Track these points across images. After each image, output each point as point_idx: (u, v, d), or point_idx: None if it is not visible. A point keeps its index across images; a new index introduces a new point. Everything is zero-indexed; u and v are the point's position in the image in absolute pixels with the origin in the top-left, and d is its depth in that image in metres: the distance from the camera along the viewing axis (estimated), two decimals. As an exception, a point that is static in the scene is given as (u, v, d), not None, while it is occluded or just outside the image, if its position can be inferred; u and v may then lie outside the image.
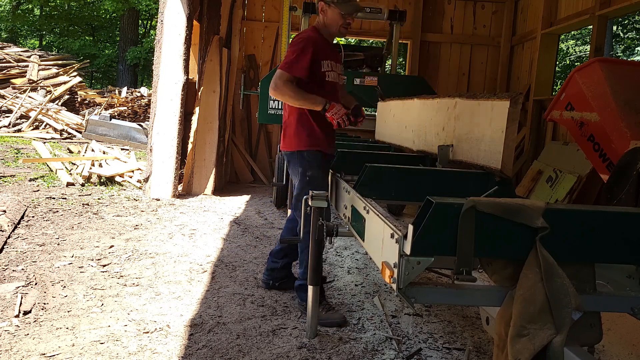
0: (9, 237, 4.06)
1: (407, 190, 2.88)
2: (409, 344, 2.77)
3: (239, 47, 7.64)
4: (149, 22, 25.51)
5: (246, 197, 6.68)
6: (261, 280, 3.49)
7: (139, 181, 6.69)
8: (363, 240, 2.48)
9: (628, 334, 2.59)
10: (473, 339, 2.86)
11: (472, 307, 3.16)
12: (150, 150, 6.09)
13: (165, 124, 6.09)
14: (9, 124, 10.67)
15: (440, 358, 2.63)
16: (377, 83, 6.15)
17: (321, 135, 3.12)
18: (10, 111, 11.12)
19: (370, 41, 16.98)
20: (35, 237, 4.19)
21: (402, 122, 4.34)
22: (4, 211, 4.46)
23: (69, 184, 6.31)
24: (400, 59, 9.67)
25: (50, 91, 11.90)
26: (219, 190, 6.74)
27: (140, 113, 12.69)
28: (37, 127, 10.92)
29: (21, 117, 11.01)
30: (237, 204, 6.22)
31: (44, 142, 9.14)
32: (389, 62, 7.64)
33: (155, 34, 7.40)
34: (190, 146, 6.62)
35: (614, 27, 17.74)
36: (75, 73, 13.56)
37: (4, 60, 12.62)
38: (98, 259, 3.77)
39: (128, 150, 9.17)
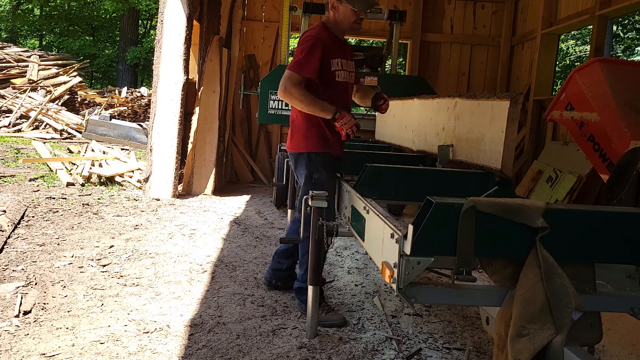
0: (9, 237, 4.06)
1: (407, 190, 2.88)
2: (409, 344, 2.77)
3: (239, 47, 7.64)
4: (149, 22, 25.51)
5: (246, 197, 6.68)
6: (264, 279, 3.44)
7: (139, 181, 6.70)
8: (363, 240, 2.48)
9: (628, 334, 2.60)
10: (473, 339, 2.86)
11: (472, 307, 3.16)
12: (150, 150, 6.09)
13: (165, 124, 6.09)
14: (9, 124, 10.68)
15: (440, 358, 2.63)
16: (377, 83, 6.16)
17: (330, 136, 3.01)
18: (10, 111, 11.12)
19: (370, 41, 16.97)
20: (35, 237, 4.19)
21: (402, 122, 4.34)
22: (4, 211, 4.46)
23: (69, 184, 6.31)
24: (400, 59, 9.67)
25: (50, 91, 11.90)
26: (219, 190, 6.74)
27: (140, 113, 12.69)
28: (37, 127, 10.92)
29: (21, 117, 11.01)
30: (237, 204, 6.22)
31: (44, 142, 9.14)
32: (389, 62, 7.65)
33: (155, 34, 7.40)
34: (190, 146, 6.63)
35: (614, 27, 17.74)
36: (75, 73, 13.56)
37: (4, 60, 12.62)
38: (98, 259, 3.77)
39: (128, 150, 9.17)
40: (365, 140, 5.30)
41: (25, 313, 2.80)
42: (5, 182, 6.18)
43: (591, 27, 5.83)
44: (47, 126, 10.95)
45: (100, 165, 7.37)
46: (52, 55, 15.01)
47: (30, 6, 22.33)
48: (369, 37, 9.34)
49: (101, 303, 3.02)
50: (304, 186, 3.07)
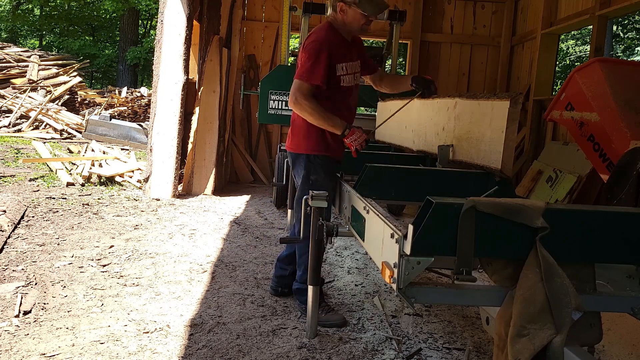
0: (9, 237, 4.06)
1: (407, 190, 2.88)
2: (409, 344, 2.77)
3: (239, 47, 7.64)
4: (149, 22, 25.51)
5: (246, 197, 6.68)
6: (270, 288, 3.37)
7: (139, 181, 6.70)
8: (363, 240, 2.48)
9: (628, 334, 2.59)
10: (473, 339, 2.86)
11: (472, 307, 3.16)
12: (150, 150, 6.09)
13: (165, 124, 6.09)
14: (9, 124, 10.68)
15: (440, 358, 2.63)
16: None
17: (331, 139, 2.97)
18: (10, 111, 11.12)
19: (370, 41, 16.97)
20: (35, 237, 4.19)
21: (402, 122, 4.34)
22: (4, 211, 4.46)
23: (69, 184, 6.31)
24: (400, 59, 9.66)
25: (50, 91, 11.90)
26: (219, 190, 6.74)
27: (140, 113, 12.69)
28: (37, 127, 10.92)
29: (21, 117, 11.01)
30: (237, 204, 6.22)
31: (44, 142, 9.14)
32: (389, 62, 7.65)
33: (155, 34, 7.40)
34: (190, 146, 6.63)
35: (614, 27, 17.74)
36: (75, 73, 13.56)
37: (4, 60, 12.62)
38: (98, 259, 3.77)
39: (128, 150, 9.17)
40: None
41: (25, 313, 2.80)
42: (5, 182, 6.18)
43: (591, 27, 5.83)
44: (47, 126, 10.95)
45: (100, 165, 7.37)
46: (52, 55, 15.01)
47: (30, 6, 22.33)
48: (369, 37, 9.34)
49: (101, 303, 3.02)
50: (300, 186, 3.06)
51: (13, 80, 12.22)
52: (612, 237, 1.82)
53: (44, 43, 24.58)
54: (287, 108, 6.11)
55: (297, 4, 6.42)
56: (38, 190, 5.87)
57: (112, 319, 2.82)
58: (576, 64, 18.40)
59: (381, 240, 2.06)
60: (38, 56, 13.60)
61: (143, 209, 5.47)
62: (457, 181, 2.89)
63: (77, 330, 2.65)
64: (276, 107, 6.17)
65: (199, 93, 6.79)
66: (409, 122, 4.17)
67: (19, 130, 10.58)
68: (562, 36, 11.83)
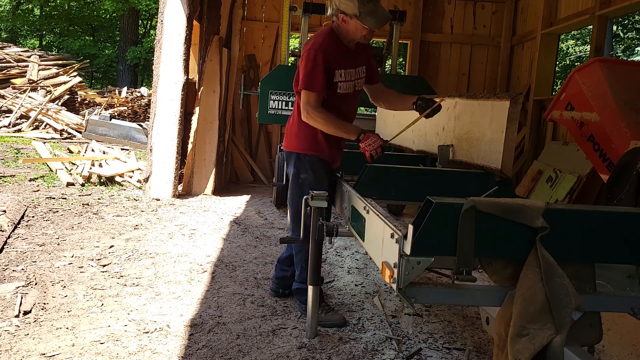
0: (9, 237, 4.06)
1: (407, 190, 2.88)
2: (409, 344, 2.77)
3: (239, 47, 7.64)
4: (149, 22, 25.51)
5: (246, 197, 6.68)
6: (270, 290, 3.36)
7: (139, 181, 6.70)
8: (363, 240, 2.48)
9: (628, 334, 2.59)
10: (473, 339, 2.86)
11: (472, 307, 3.16)
12: (150, 150, 6.09)
13: (165, 124, 6.09)
14: (9, 124, 10.68)
15: (440, 358, 2.63)
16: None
17: (322, 140, 2.96)
18: (10, 111, 11.12)
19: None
20: (35, 237, 4.19)
21: (402, 122, 4.34)
22: (4, 211, 4.46)
23: (69, 184, 6.31)
24: (400, 59, 9.66)
25: (50, 91, 11.90)
26: (219, 190, 6.74)
27: (140, 113, 12.69)
28: (37, 127, 10.92)
29: (21, 117, 11.01)
30: (237, 204, 6.22)
31: (44, 142, 9.14)
32: (389, 62, 7.65)
33: (155, 34, 7.40)
34: (190, 146, 6.63)
35: (614, 27, 17.75)
36: (75, 73, 13.56)
37: (4, 60, 12.62)
38: (98, 259, 3.77)
39: (128, 150, 9.17)
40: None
41: (25, 313, 2.80)
42: (5, 182, 6.18)
43: (591, 27, 5.83)
44: (47, 126, 10.95)
45: (100, 165, 7.37)
46: (52, 55, 15.01)
47: (30, 6, 22.34)
48: (369, 37, 9.37)
49: (101, 303, 3.02)
50: (291, 184, 3.08)
51: (13, 80, 12.22)
52: (612, 237, 1.82)
53: (44, 43, 24.58)
54: (287, 108, 6.11)
55: (297, 4, 6.42)
56: (38, 190, 5.87)
57: (112, 319, 2.82)
58: (576, 64, 18.41)
59: (381, 240, 2.06)
60: (38, 56, 13.60)
61: (143, 209, 5.47)
62: (457, 181, 2.89)
63: (77, 330, 2.65)
64: (276, 107, 6.17)
65: (199, 93, 6.79)
66: (409, 122, 4.17)
67: (19, 130, 10.58)
68: (562, 36, 11.83)
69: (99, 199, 5.76)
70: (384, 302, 3.35)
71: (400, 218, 5.86)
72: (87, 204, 5.41)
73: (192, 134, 6.63)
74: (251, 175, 8.07)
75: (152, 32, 24.21)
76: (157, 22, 6.66)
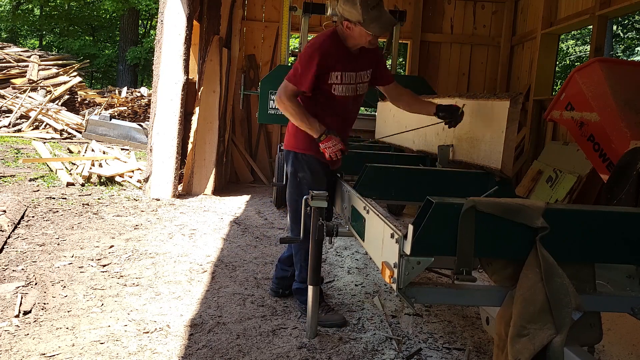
0: (9, 237, 4.06)
1: (407, 190, 2.88)
2: (409, 344, 2.77)
3: (239, 47, 7.63)
4: (149, 22, 25.51)
5: (246, 197, 6.68)
6: (270, 290, 3.36)
7: (139, 181, 6.70)
8: (363, 240, 2.48)
9: (628, 334, 2.59)
10: (473, 339, 2.86)
11: (472, 307, 3.16)
12: (150, 150, 6.09)
13: (165, 124, 6.09)
14: (9, 124, 10.68)
15: (440, 358, 2.63)
16: None
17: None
18: (10, 111, 11.12)
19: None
20: (35, 237, 4.19)
21: (402, 122, 4.34)
22: (4, 211, 4.46)
23: (69, 184, 6.31)
24: (400, 59, 9.67)
25: (50, 91, 11.90)
26: (219, 190, 6.74)
27: (140, 113, 12.69)
28: (37, 127, 10.92)
29: (21, 117, 11.01)
30: (237, 204, 6.22)
31: (44, 142, 9.14)
32: (389, 62, 7.65)
33: (155, 34, 7.40)
34: (190, 146, 6.63)
35: (614, 27, 17.75)
36: (75, 73, 13.56)
37: (4, 60, 12.62)
38: (98, 259, 3.77)
39: (128, 150, 9.17)
40: (365, 140, 5.30)
41: (25, 313, 2.80)
42: (5, 182, 6.18)
43: (591, 27, 5.83)
44: (47, 126, 10.95)
45: (100, 165, 7.37)
46: (52, 55, 15.01)
47: (30, 6, 22.33)
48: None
49: (101, 303, 3.02)
50: (289, 183, 3.10)
51: (13, 80, 12.22)
52: (612, 237, 1.82)
53: (44, 43, 24.58)
54: (287, 108, 6.10)
55: (297, 4, 6.42)
56: (38, 190, 5.87)
57: (112, 319, 2.82)
58: (576, 64, 18.41)
59: (381, 240, 2.06)
60: (38, 56, 13.60)
61: (143, 209, 5.47)
62: (457, 181, 2.89)
63: (77, 330, 2.65)
64: (276, 107, 6.16)
65: (199, 93, 6.79)
66: (409, 122, 4.17)
67: (19, 130, 10.58)
68: (562, 36, 11.83)
69: (99, 199, 5.76)
70: (384, 302, 3.35)
71: (400, 218, 5.86)
72: (87, 204, 5.41)
73: (192, 134, 6.63)
74: (251, 175, 8.07)
75: (152, 32, 24.20)
76: (157, 22, 6.66)
